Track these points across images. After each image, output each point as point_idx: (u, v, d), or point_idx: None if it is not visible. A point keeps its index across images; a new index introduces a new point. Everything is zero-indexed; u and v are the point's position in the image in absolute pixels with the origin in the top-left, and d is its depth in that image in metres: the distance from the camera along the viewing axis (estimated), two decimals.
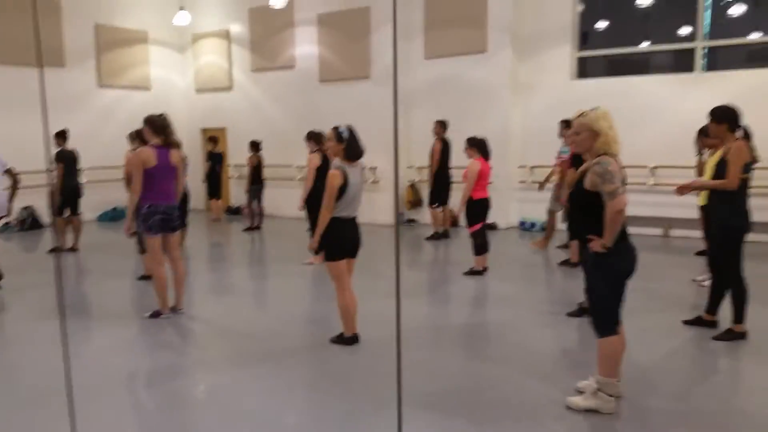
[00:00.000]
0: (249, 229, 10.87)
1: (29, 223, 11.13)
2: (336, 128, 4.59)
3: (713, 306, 4.94)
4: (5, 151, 6.28)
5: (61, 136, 8.71)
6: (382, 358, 4.52)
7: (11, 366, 4.61)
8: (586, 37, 10.69)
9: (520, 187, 10.59)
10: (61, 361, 4.54)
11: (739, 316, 4.69)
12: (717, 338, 4.72)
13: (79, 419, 3.45)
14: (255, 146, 10.74)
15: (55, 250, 8.83)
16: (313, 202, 7.68)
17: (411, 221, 11.54)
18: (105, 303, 6.16)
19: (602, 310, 3.51)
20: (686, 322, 5.07)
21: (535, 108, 10.47)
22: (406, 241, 9.96)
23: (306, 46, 12.11)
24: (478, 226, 6.92)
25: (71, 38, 11.95)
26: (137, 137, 6.76)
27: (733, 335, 4.68)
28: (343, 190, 4.47)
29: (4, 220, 6.47)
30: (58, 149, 8.64)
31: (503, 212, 10.32)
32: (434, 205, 9.63)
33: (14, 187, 6.38)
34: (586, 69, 10.65)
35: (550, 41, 10.37)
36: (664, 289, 6.23)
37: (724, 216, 4.63)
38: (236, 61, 13.25)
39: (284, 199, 11.99)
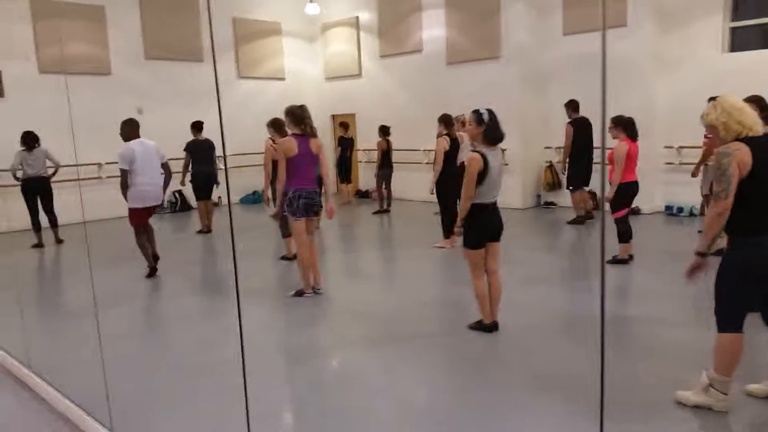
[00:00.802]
0: (378, 212, 11.09)
1: (179, 205, 12.14)
2: (476, 111, 4.43)
3: None
4: (156, 140, 6.77)
5: (196, 126, 9.39)
6: (521, 347, 4.38)
7: (169, 340, 5.00)
8: (737, 5, 9.66)
9: (666, 169, 9.83)
10: (215, 335, 4.90)
11: None
12: None
13: (231, 392, 3.68)
14: (385, 131, 10.92)
15: (201, 232, 9.54)
16: (441, 186, 7.70)
17: (550, 204, 11.18)
18: (249, 282, 6.52)
19: (722, 305, 3.19)
20: None
21: (683, 84, 9.67)
22: (546, 225, 9.67)
23: (433, 29, 12.04)
24: (623, 212, 6.47)
25: (209, 32, 12.60)
26: (272, 126, 7.08)
27: None
28: (483, 175, 4.33)
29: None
30: (192, 139, 9.32)
31: (648, 196, 9.62)
32: (570, 188, 9.25)
33: (167, 180, 6.93)
34: (738, 41, 9.65)
35: (699, 11, 9.50)
36: None
37: None
38: (365, 48, 13.46)
39: (412, 183, 12.09)
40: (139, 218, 6.60)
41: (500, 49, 10.98)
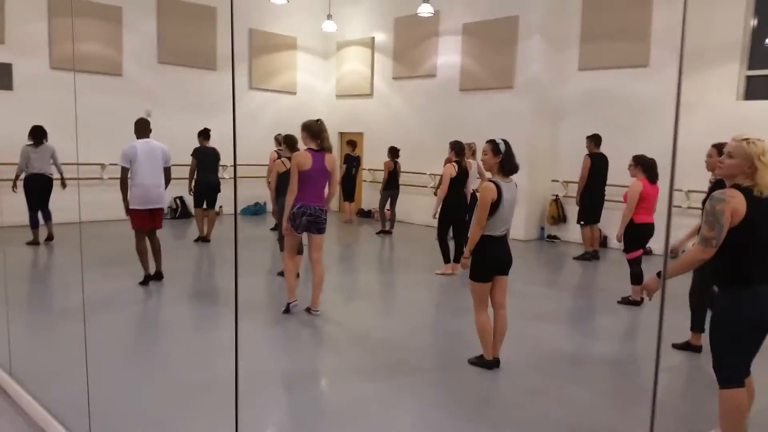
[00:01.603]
0: (381, 232, 10.96)
1: (179, 212, 11.99)
2: (493, 141, 4.32)
3: None
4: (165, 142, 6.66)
5: (203, 134, 9.29)
6: (523, 386, 4.21)
7: (158, 353, 4.83)
8: (753, 54, 9.64)
9: (675, 212, 9.74)
10: (206, 351, 4.73)
11: None
12: None
13: (219, 413, 3.51)
14: (394, 152, 10.85)
15: (199, 240, 9.40)
16: (443, 212, 7.59)
17: (553, 237, 11.06)
18: (244, 296, 6.32)
19: (720, 359, 3.04)
20: None
21: (696, 128, 9.58)
22: (550, 259, 9.52)
23: (449, 55, 12.02)
24: (637, 254, 6.33)
25: (225, 42, 12.63)
26: (285, 142, 7.02)
27: None
28: (495, 205, 4.21)
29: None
30: (198, 146, 9.23)
31: (657, 237, 9.52)
32: (581, 223, 9.16)
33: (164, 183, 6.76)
34: (753, 89, 9.61)
35: (717, 57, 9.47)
36: None
37: None
38: (378, 68, 13.44)
39: (416, 206, 12.01)
40: (140, 220, 6.38)
41: (514, 79, 10.94)
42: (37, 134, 8.44)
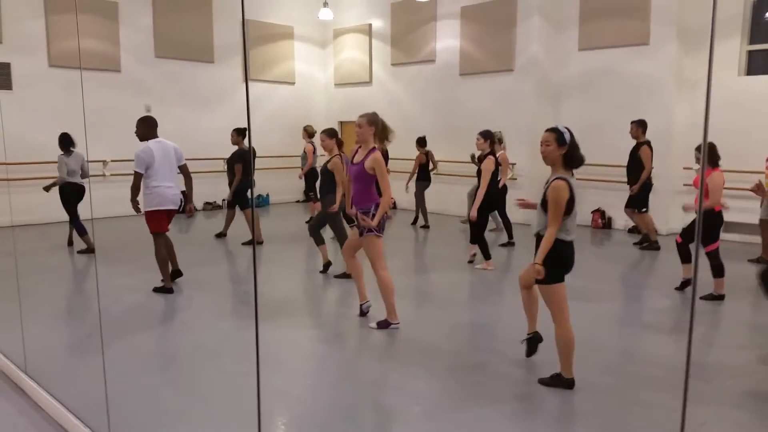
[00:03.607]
0: (423, 226, 10.48)
1: (181, 207, 11.95)
2: (556, 129, 3.73)
3: None
4: (162, 138, 6.40)
5: (243, 134, 8.65)
6: (606, 404, 3.69)
7: (178, 351, 4.84)
8: (754, 29, 9.57)
9: (684, 191, 9.67)
10: (227, 348, 4.73)
11: None
12: None
13: (241, 408, 3.52)
14: (421, 143, 10.37)
15: (220, 235, 9.14)
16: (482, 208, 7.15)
17: None
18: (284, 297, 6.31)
19: None
20: None
21: (699, 106, 9.57)
22: (602, 252, 8.82)
23: (447, 39, 11.94)
24: (715, 245, 5.90)
25: (221, 34, 12.59)
26: (332, 136, 6.72)
27: None
28: (570, 205, 3.66)
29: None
30: (240, 149, 8.66)
31: (663, 218, 9.51)
32: (644, 210, 8.59)
33: (190, 184, 6.34)
34: (755, 64, 9.55)
35: (718, 33, 9.40)
36: None
37: None
38: (376, 55, 13.36)
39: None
40: (158, 222, 6.04)
41: (514, 61, 10.88)
42: (65, 142, 7.95)
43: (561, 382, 3.84)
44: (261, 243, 8.70)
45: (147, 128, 6.03)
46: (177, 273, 6.49)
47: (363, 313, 5.32)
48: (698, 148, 6.01)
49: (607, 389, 3.89)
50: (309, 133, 10.37)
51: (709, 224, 5.81)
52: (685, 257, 6.16)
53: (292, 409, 3.66)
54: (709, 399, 3.74)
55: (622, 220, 9.96)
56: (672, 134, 9.56)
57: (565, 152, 3.68)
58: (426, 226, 10.39)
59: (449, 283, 6.78)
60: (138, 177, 5.88)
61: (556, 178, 3.68)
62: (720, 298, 5.94)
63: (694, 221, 6.24)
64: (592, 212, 10.52)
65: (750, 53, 9.49)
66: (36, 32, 10.38)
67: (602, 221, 10.41)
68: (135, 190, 5.92)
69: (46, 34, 10.46)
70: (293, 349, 4.66)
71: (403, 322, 5.10)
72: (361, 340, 4.90)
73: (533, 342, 4.29)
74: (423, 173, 10.43)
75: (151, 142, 5.97)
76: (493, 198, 7.34)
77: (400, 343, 4.76)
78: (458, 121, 11.69)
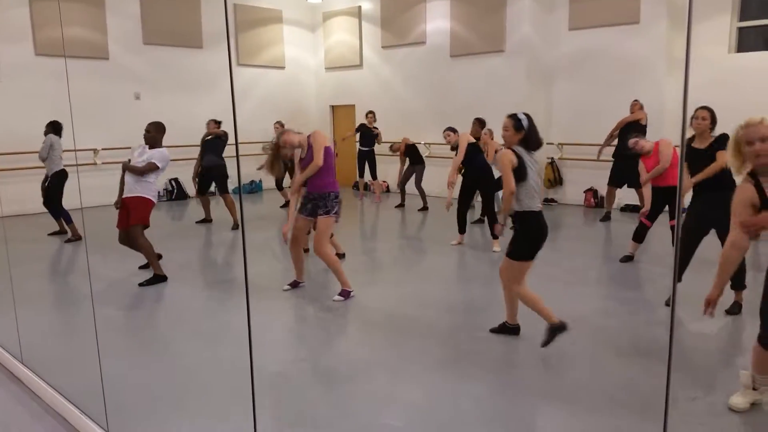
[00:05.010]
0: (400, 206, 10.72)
1: (175, 194, 11.97)
2: (514, 116, 4.06)
3: None
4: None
5: (219, 124, 9.28)
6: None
7: (173, 337, 4.86)
8: (745, 5, 9.54)
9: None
10: (221, 333, 4.76)
11: None
12: None
13: (236, 394, 3.55)
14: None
15: (203, 221, 9.39)
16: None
17: (550, 201, 11.02)
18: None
19: None
20: None
21: (691, 83, 9.56)
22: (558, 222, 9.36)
23: (438, 20, 11.88)
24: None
25: (209, 19, 12.47)
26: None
27: None
28: (521, 173, 3.98)
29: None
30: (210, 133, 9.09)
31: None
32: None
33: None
34: (745, 41, 9.54)
35: (708, 9, 9.38)
36: None
37: None
38: (366, 38, 13.28)
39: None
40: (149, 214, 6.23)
41: (505, 42, 10.84)
42: (57, 127, 7.97)
43: (506, 329, 4.40)
44: (236, 228, 8.85)
45: (160, 134, 6.10)
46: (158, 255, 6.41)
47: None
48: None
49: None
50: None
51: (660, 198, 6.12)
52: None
53: (281, 388, 3.70)
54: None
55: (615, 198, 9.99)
56: (663, 113, 9.57)
57: (522, 136, 4.05)
58: (425, 208, 10.45)
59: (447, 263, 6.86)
60: (156, 172, 5.99)
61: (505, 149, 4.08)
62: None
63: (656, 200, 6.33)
64: (584, 192, 10.58)
65: (740, 30, 9.47)
66: (21, 21, 10.26)
67: (595, 200, 10.46)
68: (144, 173, 5.95)
69: (31, 23, 10.34)
70: (279, 328, 4.69)
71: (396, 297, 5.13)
72: (347, 314, 4.95)
73: (507, 330, 4.45)
74: (417, 157, 10.44)
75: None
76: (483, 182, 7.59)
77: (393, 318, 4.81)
78: (450, 102, 11.66)
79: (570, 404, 3.40)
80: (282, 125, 10.33)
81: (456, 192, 7.46)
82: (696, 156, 4.90)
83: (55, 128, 7.93)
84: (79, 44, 10.74)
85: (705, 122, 4.85)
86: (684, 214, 4.89)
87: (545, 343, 4.04)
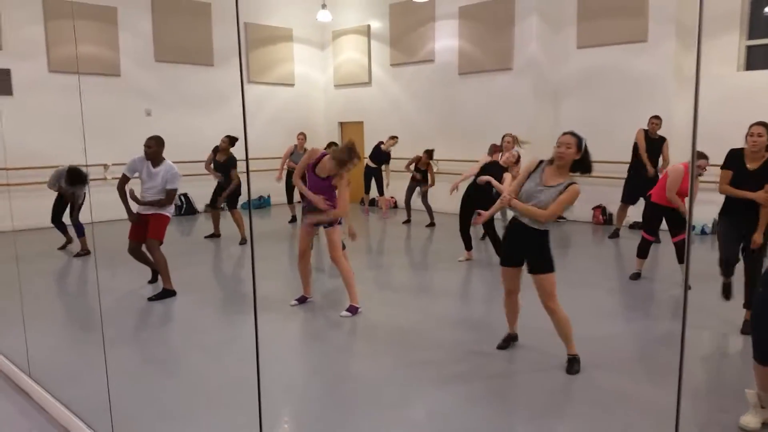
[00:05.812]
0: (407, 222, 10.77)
1: (184, 209, 12.04)
2: (576, 134, 3.92)
3: None
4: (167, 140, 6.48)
5: (233, 142, 9.08)
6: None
7: (181, 352, 4.86)
8: (753, 24, 9.57)
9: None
10: (229, 347, 4.75)
11: None
12: None
13: (244, 410, 3.54)
14: (429, 153, 10.34)
15: (212, 236, 9.43)
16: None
17: (559, 218, 10.93)
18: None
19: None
20: None
21: (700, 102, 9.55)
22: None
23: (446, 39, 11.97)
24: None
25: (220, 37, 12.61)
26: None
27: None
28: None
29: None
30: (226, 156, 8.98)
31: None
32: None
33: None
34: (753, 59, 9.55)
35: (716, 28, 9.40)
36: None
37: None
38: (375, 56, 13.39)
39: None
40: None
41: (513, 60, 10.90)
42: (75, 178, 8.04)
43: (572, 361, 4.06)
44: (244, 243, 8.88)
45: (162, 148, 6.13)
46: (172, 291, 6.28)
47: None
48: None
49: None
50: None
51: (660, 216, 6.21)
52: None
53: (291, 403, 3.68)
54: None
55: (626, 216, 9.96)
56: (672, 131, 9.55)
57: (579, 158, 3.92)
58: (432, 224, 10.43)
59: (450, 278, 6.83)
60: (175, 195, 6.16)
61: (574, 183, 3.95)
62: None
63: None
64: (593, 209, 10.54)
65: (749, 48, 9.49)
66: (35, 38, 10.43)
67: (603, 217, 10.43)
68: (168, 203, 6.13)
69: (45, 40, 10.51)
70: (286, 343, 4.68)
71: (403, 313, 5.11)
72: (348, 330, 4.93)
73: (510, 340, 4.53)
74: (426, 176, 10.46)
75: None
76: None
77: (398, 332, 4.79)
78: (458, 120, 11.72)
79: (579, 424, 3.36)
80: (305, 137, 10.58)
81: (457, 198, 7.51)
82: (746, 176, 4.56)
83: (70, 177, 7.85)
84: (92, 61, 10.89)
85: (762, 139, 4.45)
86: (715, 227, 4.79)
87: (576, 372, 4.00)
